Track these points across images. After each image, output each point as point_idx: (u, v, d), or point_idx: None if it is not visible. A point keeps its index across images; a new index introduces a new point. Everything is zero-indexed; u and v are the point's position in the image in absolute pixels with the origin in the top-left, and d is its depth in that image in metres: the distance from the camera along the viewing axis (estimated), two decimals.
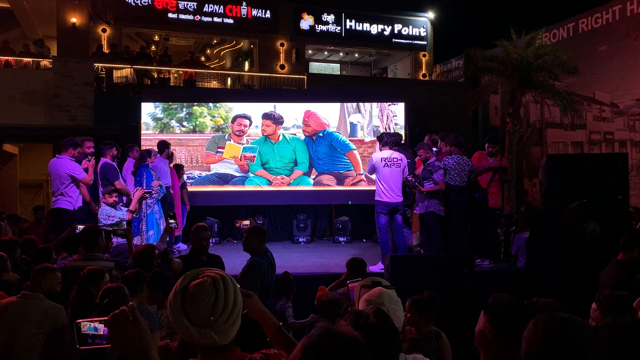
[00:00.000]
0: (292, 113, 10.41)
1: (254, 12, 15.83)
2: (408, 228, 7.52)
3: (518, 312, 1.82)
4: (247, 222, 5.08)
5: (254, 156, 10.13)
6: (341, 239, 10.02)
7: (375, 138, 8.33)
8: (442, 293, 5.35)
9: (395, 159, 6.83)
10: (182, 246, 8.55)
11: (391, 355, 1.60)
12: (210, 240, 9.40)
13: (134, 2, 14.74)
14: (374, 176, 7.19)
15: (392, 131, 9.44)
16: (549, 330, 1.51)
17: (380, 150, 7.08)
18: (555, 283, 5.70)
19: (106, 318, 1.42)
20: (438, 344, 3.51)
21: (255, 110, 10.31)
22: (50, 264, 4.02)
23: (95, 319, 1.47)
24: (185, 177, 9.21)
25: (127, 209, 6.39)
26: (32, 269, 3.76)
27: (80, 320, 1.46)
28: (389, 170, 6.78)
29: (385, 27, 16.88)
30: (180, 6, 15.16)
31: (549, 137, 13.51)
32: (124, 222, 6.27)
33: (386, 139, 7.04)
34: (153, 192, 7.06)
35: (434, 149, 7.73)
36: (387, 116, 10.59)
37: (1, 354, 3.32)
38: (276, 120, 10.26)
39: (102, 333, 1.45)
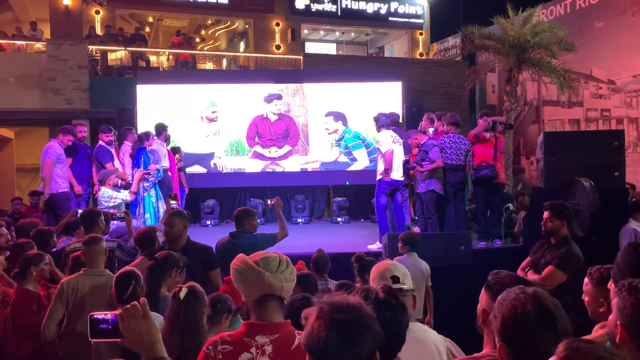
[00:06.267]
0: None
1: None
2: (407, 207, 7.54)
3: None
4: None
5: None
6: (339, 219, 10.07)
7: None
8: (442, 271, 5.44)
9: (398, 138, 6.85)
10: None
11: (401, 330, 1.65)
12: (209, 223, 9.58)
13: None
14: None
15: None
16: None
17: (378, 131, 6.99)
18: None
19: (118, 312, 1.49)
20: None
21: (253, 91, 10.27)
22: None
23: (108, 312, 1.52)
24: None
25: (128, 190, 6.40)
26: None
27: (94, 313, 1.52)
28: (397, 148, 6.78)
29: (382, 5, 16.66)
30: None
31: (546, 114, 13.50)
32: (123, 205, 6.29)
33: (383, 120, 6.92)
34: (151, 174, 7.06)
35: (431, 128, 7.72)
36: None
37: None
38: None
39: (112, 325, 1.50)
